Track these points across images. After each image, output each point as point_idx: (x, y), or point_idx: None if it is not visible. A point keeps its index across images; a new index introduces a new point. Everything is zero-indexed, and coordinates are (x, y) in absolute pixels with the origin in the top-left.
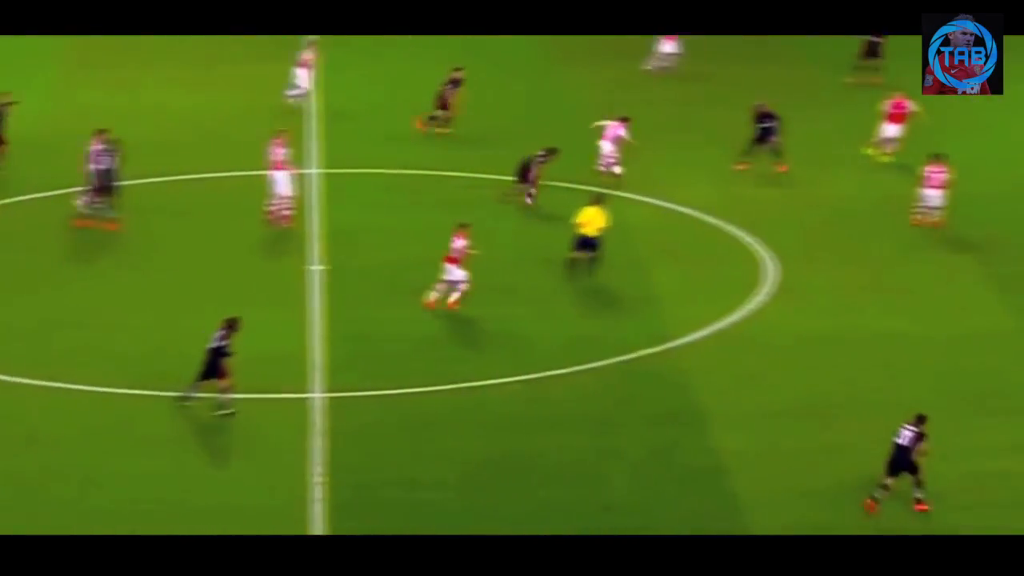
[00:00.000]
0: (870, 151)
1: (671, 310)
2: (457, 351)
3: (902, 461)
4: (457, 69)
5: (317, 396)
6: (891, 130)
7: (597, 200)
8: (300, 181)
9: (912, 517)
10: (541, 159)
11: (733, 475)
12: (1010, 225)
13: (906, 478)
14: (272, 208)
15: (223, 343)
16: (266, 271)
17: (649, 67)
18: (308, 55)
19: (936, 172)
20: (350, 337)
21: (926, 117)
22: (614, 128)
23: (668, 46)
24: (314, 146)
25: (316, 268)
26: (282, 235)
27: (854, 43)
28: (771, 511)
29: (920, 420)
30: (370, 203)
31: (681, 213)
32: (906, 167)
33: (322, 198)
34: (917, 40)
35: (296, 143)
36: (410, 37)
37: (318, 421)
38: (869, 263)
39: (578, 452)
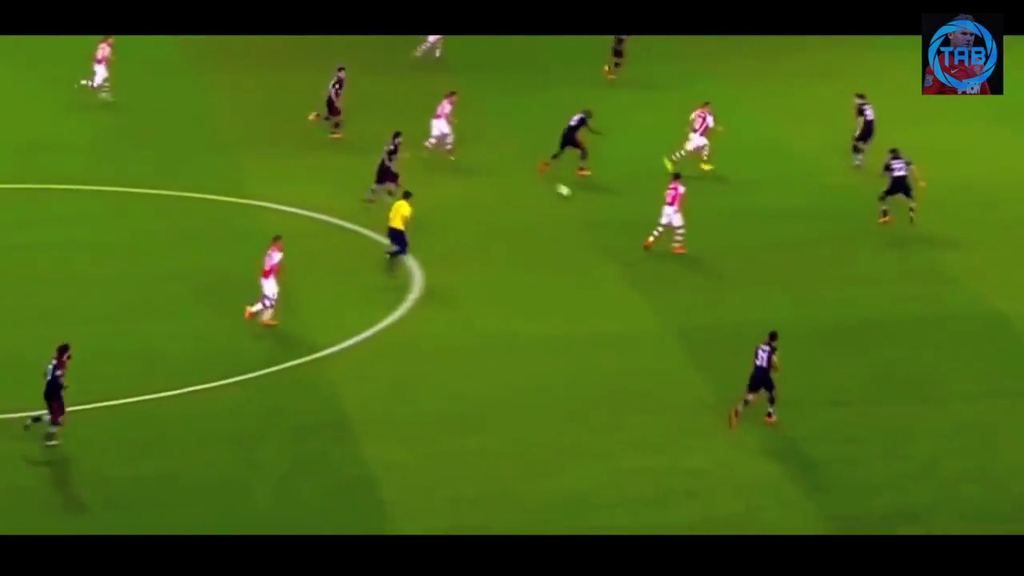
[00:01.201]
0: (669, 163)
1: (317, 319)
2: (93, 370)
3: (760, 379)
4: (340, 68)
5: None
6: (699, 140)
7: (406, 195)
8: None
9: (558, 516)
10: (393, 150)
11: (383, 484)
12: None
13: (764, 395)
14: None
15: (57, 373)
16: None
17: (417, 54)
18: (104, 50)
19: (672, 189)
20: None
21: (724, 132)
22: (444, 105)
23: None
24: None
25: None
26: None
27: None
28: (420, 519)
29: (773, 337)
30: None
31: (320, 220)
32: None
33: None
34: (658, 40)
35: None
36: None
37: None
38: (519, 269)
39: (222, 467)
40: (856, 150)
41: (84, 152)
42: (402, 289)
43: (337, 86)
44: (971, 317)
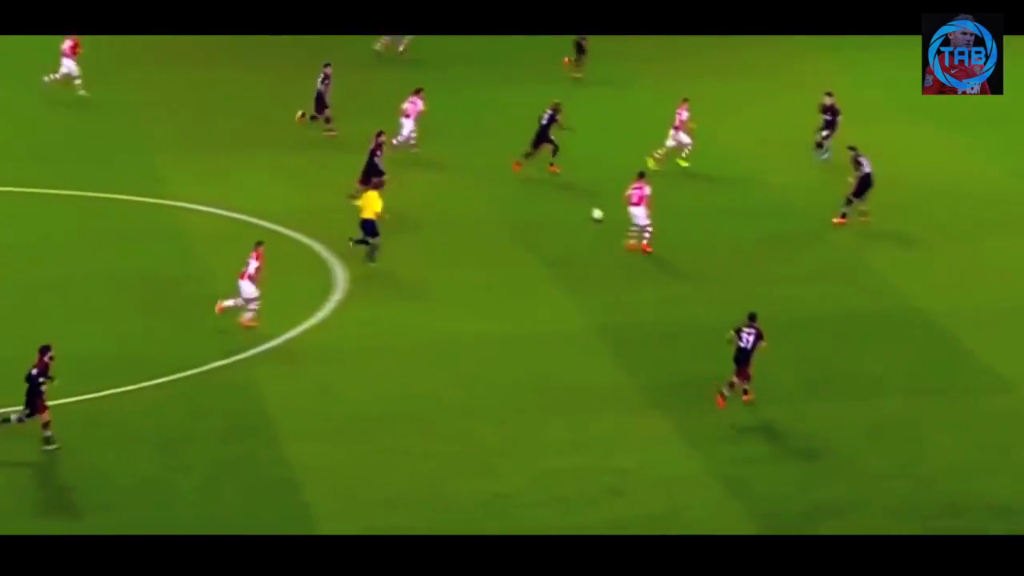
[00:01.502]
0: (683, 163)
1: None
2: (15, 372)
3: (744, 362)
4: (327, 65)
5: None
6: (684, 138)
7: (376, 186)
8: None
9: (484, 516)
10: (377, 151)
11: (308, 485)
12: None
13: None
14: None
15: (33, 371)
16: None
17: (377, 47)
18: (68, 44)
19: (636, 189)
20: None
21: (695, 127)
22: (413, 104)
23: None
24: None
25: None
26: None
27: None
28: (345, 519)
29: (753, 318)
30: None
31: (241, 220)
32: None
33: None
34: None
35: None
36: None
37: None
38: (448, 268)
39: (147, 469)
40: (819, 146)
41: (2, 153)
42: (328, 289)
43: (325, 82)
44: (899, 314)
